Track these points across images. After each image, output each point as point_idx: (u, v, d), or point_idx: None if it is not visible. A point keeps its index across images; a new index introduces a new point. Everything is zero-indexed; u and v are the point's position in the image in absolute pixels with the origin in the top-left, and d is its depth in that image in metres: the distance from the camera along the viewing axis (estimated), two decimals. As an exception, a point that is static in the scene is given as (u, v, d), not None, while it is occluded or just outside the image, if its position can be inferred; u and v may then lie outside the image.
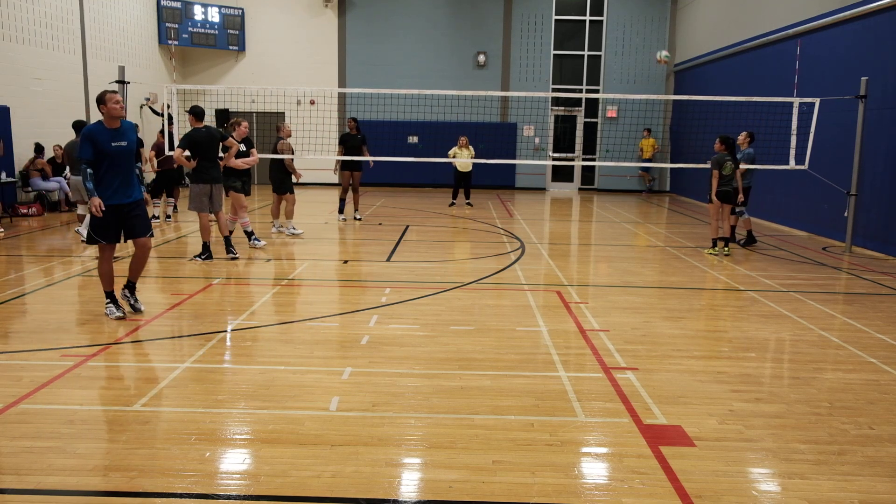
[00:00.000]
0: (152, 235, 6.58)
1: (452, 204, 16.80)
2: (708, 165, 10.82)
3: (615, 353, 5.69)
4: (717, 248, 10.53)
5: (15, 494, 3.38)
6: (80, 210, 10.91)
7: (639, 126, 20.20)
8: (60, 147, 14.30)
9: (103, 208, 6.08)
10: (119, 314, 6.39)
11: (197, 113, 9.14)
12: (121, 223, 6.36)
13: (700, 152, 15.78)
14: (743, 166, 10.90)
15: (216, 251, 9.49)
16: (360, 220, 13.75)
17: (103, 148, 6.10)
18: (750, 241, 11.47)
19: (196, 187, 9.17)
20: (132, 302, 6.62)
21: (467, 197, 16.77)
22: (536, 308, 7.14)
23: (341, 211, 13.87)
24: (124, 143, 6.25)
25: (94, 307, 7.03)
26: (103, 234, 6.31)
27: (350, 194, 13.81)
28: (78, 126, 11.21)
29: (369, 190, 20.64)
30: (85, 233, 10.92)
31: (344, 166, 13.36)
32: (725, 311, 7.34)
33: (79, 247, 10.28)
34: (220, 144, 9.34)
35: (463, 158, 16.00)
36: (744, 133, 11.40)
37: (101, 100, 6.18)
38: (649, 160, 20.62)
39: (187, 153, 9.25)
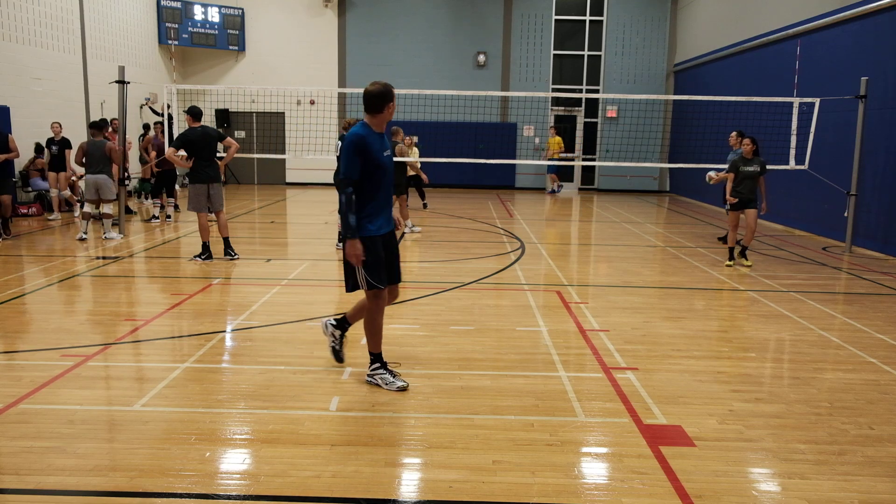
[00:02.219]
0: None
1: (425, 205, 16.14)
2: (725, 166, 10.97)
3: (615, 353, 5.69)
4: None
5: (15, 494, 3.37)
6: (87, 208, 10.94)
7: (639, 126, 20.19)
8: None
9: (364, 258, 4.61)
10: (401, 384, 4.76)
11: (193, 113, 9.15)
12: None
13: (700, 152, 15.80)
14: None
15: (216, 251, 9.48)
16: None
17: (377, 160, 4.60)
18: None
19: (193, 187, 9.19)
20: (392, 378, 4.82)
21: (416, 197, 16.09)
22: (536, 308, 7.14)
23: None
24: (389, 153, 4.82)
25: (93, 307, 7.04)
26: (381, 275, 4.73)
27: None
28: (97, 126, 11.12)
29: (369, 190, 20.61)
30: (117, 235, 10.94)
31: None
32: (725, 311, 7.34)
33: (79, 247, 10.28)
34: (219, 144, 9.36)
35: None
36: (734, 133, 11.52)
37: (387, 96, 4.65)
38: (556, 160, 19.67)
39: (181, 153, 9.26)
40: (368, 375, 4.91)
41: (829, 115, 11.79)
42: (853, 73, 11.37)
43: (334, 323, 5.22)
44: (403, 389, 4.76)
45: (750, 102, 12.98)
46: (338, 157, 10.32)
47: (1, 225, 10.92)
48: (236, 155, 10.09)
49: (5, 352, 5.51)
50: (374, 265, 4.69)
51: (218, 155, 9.43)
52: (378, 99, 4.62)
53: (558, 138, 20.45)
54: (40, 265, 8.97)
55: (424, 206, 16.08)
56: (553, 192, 21.02)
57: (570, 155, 21.71)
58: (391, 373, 4.86)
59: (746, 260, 9.81)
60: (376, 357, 4.90)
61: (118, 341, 5.80)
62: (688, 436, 4.12)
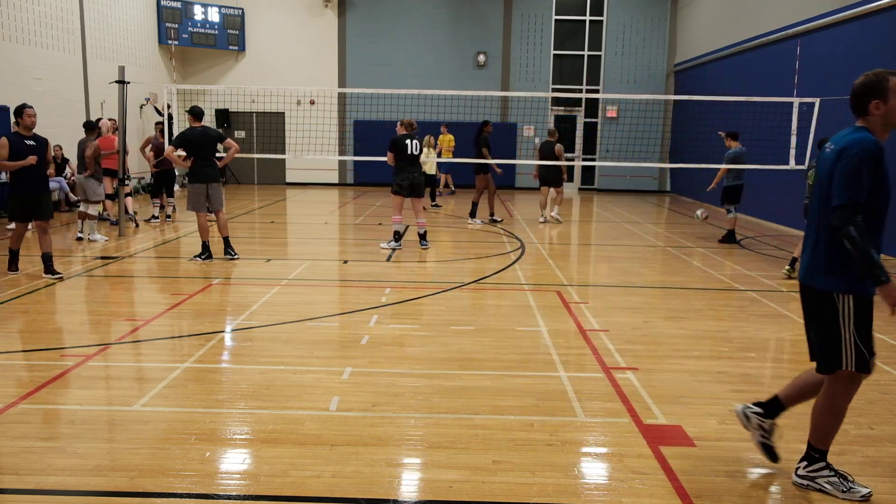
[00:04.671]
0: None
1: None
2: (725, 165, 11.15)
3: (615, 353, 5.69)
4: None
5: (15, 494, 3.37)
6: (82, 207, 10.89)
7: (639, 126, 20.13)
8: (60, 147, 14.28)
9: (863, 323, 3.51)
10: (865, 492, 3.48)
11: (195, 113, 9.17)
12: None
13: (700, 152, 15.79)
14: (724, 166, 11.43)
15: (215, 251, 9.48)
16: (499, 221, 13.90)
17: (889, 183, 3.41)
18: (729, 239, 11.70)
19: (192, 187, 9.20)
20: (849, 483, 3.52)
21: (433, 199, 16.21)
22: (536, 308, 7.14)
23: (473, 215, 13.87)
24: None
25: (93, 307, 7.03)
26: (873, 351, 3.51)
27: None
28: (89, 126, 11.09)
29: (368, 190, 20.67)
30: (100, 238, 10.81)
31: (481, 169, 13.73)
32: (725, 311, 7.34)
33: (78, 247, 10.28)
34: (220, 145, 9.37)
35: (429, 158, 14.81)
36: (723, 133, 11.91)
37: (875, 88, 3.64)
38: (446, 159, 17.63)
39: (180, 152, 9.26)
40: (802, 477, 3.57)
41: (829, 115, 11.78)
42: (853, 73, 11.25)
43: (759, 411, 3.77)
44: (867, 499, 3.45)
45: (750, 102, 12.98)
46: (412, 155, 10.07)
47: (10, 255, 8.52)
48: (236, 155, 10.08)
49: (5, 352, 5.51)
50: (870, 337, 3.45)
51: (217, 155, 9.43)
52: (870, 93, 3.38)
53: (450, 136, 18.59)
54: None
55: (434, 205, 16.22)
56: (452, 192, 19.77)
57: (569, 155, 21.69)
58: (841, 474, 3.50)
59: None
60: (822, 455, 3.53)
61: (118, 341, 5.80)
62: (688, 436, 4.12)
